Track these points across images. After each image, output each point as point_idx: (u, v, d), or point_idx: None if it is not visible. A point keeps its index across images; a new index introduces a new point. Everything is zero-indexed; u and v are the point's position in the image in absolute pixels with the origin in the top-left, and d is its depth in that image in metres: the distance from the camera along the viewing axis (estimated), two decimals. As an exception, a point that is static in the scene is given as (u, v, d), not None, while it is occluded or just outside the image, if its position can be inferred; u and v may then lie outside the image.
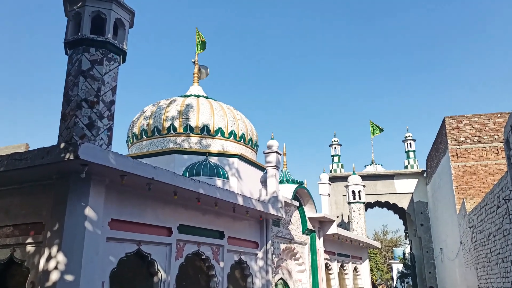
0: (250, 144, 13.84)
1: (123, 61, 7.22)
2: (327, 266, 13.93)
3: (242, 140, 13.49)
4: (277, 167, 10.88)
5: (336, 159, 25.64)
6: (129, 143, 13.75)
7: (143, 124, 13.15)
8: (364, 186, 19.40)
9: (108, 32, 6.76)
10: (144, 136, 13.05)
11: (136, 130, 13.31)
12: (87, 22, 6.69)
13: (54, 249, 5.23)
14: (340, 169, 25.19)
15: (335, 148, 26.04)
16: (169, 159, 12.10)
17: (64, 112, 6.35)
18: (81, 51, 6.56)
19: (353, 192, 19.04)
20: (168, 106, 13.21)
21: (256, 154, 14.50)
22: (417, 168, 24.36)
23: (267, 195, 10.48)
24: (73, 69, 6.54)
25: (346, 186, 19.40)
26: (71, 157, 4.95)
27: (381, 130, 24.92)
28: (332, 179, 23.47)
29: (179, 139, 12.66)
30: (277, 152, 10.90)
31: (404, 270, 40.17)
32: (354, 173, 19.91)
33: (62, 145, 5.06)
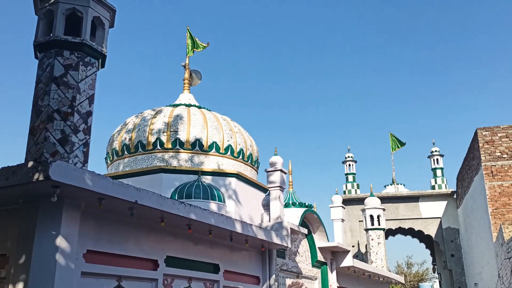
0: (249, 161, 13.91)
1: (102, 66, 7.32)
2: (341, 305, 13.82)
3: (241, 157, 13.54)
4: (281, 188, 10.88)
5: (350, 178, 25.69)
6: (109, 161, 13.82)
7: (125, 138, 13.26)
8: (384, 210, 19.36)
9: (84, 32, 6.84)
10: (126, 153, 13.16)
11: (116, 145, 13.41)
12: (61, 21, 6.77)
13: (20, 286, 5.20)
14: (356, 190, 25.24)
15: (349, 165, 26.12)
16: (155, 179, 12.18)
17: (33, 125, 6.39)
18: (53, 55, 6.64)
19: (371, 217, 19.00)
20: (154, 117, 13.33)
21: (257, 172, 14.49)
22: (446, 188, 24.35)
23: (270, 221, 10.45)
24: (44, 75, 6.61)
25: (363, 210, 19.36)
26: (41, 178, 4.96)
27: (403, 144, 24.98)
28: (347, 202, 23.41)
29: (166, 156, 12.74)
30: (281, 170, 10.92)
31: (433, 310, 39.74)
32: (372, 195, 19.89)
33: (30, 163, 5.08)
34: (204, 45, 15.24)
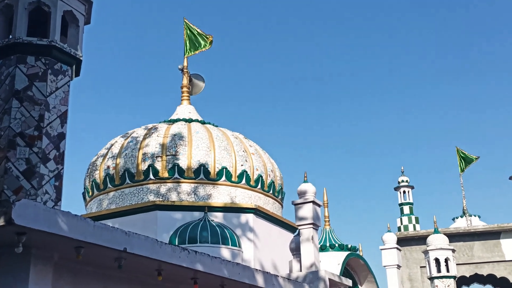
0: (271, 191, 13.87)
1: (77, 74, 7.38)
2: None
3: (259, 186, 13.52)
4: (315, 225, 10.77)
5: (406, 209, 25.48)
6: (87, 197, 13.82)
7: (108, 166, 13.31)
8: (453, 250, 19.06)
9: (53, 32, 6.91)
10: (109, 185, 13.19)
11: (97, 176, 13.45)
12: (23, 18, 6.87)
13: None
14: (414, 226, 25.01)
15: (404, 192, 25.94)
16: (149, 219, 12.19)
17: (-11, 154, 6.44)
18: (14, 62, 6.71)
19: (437, 260, 18.69)
20: (145, 138, 13.40)
21: (282, 206, 14.47)
22: (538, 219, 23.99)
23: (301, 270, 10.35)
24: (2, 89, 6.68)
25: (425, 252, 19.09)
26: (1, 222, 5.00)
27: (475, 158, 24.65)
28: (403, 242, 23.08)
29: (163, 188, 12.78)
30: (313, 202, 10.82)
31: None
32: (436, 231, 19.62)
33: (-13, 204, 5.26)
34: (207, 36, 15.33)
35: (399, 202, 25.92)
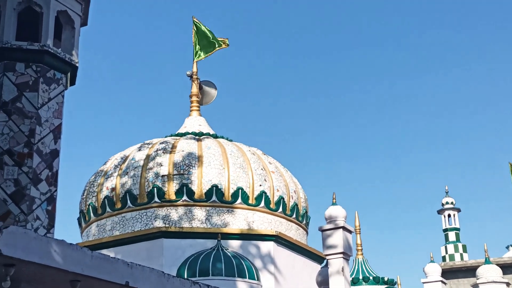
0: (294, 216, 13.83)
1: (72, 82, 7.47)
2: None
3: (281, 209, 13.48)
4: (345, 255, 10.72)
5: (452, 236, 25.37)
6: (84, 223, 13.85)
7: (107, 188, 13.33)
8: (508, 284, 18.85)
9: (46, 35, 6.96)
10: (109, 209, 13.24)
11: (95, 199, 13.48)
12: (11, 20, 6.94)
13: None
14: (462, 255, 24.88)
15: (449, 216, 25.85)
16: (154, 248, 12.23)
17: (-27, 174, 6.43)
18: (1, 70, 6.77)
19: (489, 296, 18.47)
20: (149, 154, 13.44)
21: (307, 232, 14.45)
22: None
23: (330, 307, 10.28)
24: (-13, 101, 6.68)
25: (475, 286, 18.89)
26: (-13, 253, 4.95)
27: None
28: (449, 274, 22.88)
29: (170, 213, 12.82)
30: (344, 228, 10.79)
31: None
32: (488, 261, 19.41)
33: (-29, 232, 4.99)
34: (223, 41, 15.41)
35: (444, 227, 25.83)
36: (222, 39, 15.60)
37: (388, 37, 56.95)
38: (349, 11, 56.21)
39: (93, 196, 13.57)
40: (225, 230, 12.60)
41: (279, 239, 12.74)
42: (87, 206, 13.66)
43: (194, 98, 15.51)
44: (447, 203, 26.22)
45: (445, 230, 25.80)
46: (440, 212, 26.25)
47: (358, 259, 13.26)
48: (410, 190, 61.25)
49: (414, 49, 55.80)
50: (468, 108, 58.44)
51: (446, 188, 26.68)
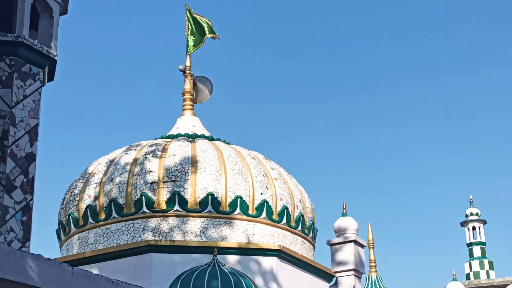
0: (300, 228, 13.70)
1: (51, 78, 7.51)
2: None
3: (285, 220, 13.37)
4: (357, 272, 11.09)
5: (477, 251, 25.38)
6: (63, 235, 13.75)
7: (90, 196, 13.26)
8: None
9: (21, 24, 6.98)
10: (91, 221, 13.13)
11: (75, 208, 13.41)
12: (-19, 7, 7.02)
13: None
14: (487, 272, 24.87)
15: (473, 228, 25.85)
16: (142, 264, 12.18)
17: None
18: (-31, 63, 6.79)
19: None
20: (137, 158, 13.40)
21: (314, 246, 14.07)
22: None
23: (340, 332, 10.41)
24: (-46, 98, 6.73)
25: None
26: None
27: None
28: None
29: (160, 224, 12.73)
30: (355, 241, 11.13)
31: None
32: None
33: None
34: (213, 35, 15.55)
35: (468, 241, 25.95)
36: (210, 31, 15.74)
37: (411, 36, 56.64)
38: (362, 4, 55.99)
39: (73, 206, 13.51)
40: (222, 244, 12.53)
41: (283, 254, 12.64)
42: (67, 217, 13.60)
43: (187, 96, 15.44)
44: (471, 214, 26.24)
45: (469, 244, 25.82)
46: (464, 224, 26.33)
47: (371, 276, 13.03)
48: (430, 200, 59.98)
49: (439, 49, 55.55)
50: (494, 111, 57.97)
51: (470, 197, 26.77)
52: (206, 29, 15.53)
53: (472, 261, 25.34)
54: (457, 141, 57.34)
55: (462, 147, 57.85)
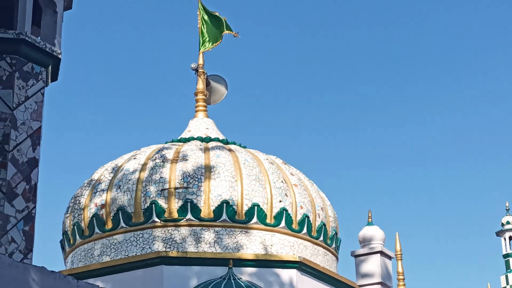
0: (322, 238, 13.69)
1: (54, 78, 7.39)
2: None
3: (306, 230, 13.34)
4: (384, 285, 11.00)
5: (514, 262, 25.66)
6: (68, 246, 13.81)
7: (96, 204, 13.25)
8: None
9: (22, 21, 6.94)
10: (98, 230, 13.15)
11: (81, 217, 13.44)
12: (-20, 2, 7.04)
13: None
14: (527, 285, 25.31)
15: (510, 238, 25.93)
16: (152, 277, 12.15)
17: None
18: (-32, 63, 6.75)
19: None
20: (146, 164, 13.44)
21: (337, 258, 13.99)
22: None
23: None
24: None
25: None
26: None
27: None
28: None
29: (171, 234, 12.75)
30: (381, 252, 11.09)
31: None
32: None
33: None
34: (231, 32, 15.63)
35: (504, 252, 26.00)
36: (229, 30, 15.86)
37: (436, 35, 55.95)
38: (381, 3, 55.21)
39: (79, 215, 13.56)
40: (238, 255, 12.50)
41: (303, 266, 12.56)
42: (72, 227, 13.64)
43: (200, 96, 15.40)
44: (507, 222, 26.22)
45: (506, 255, 25.89)
46: (500, 234, 26.35)
47: (401, 289, 13.46)
48: (462, 208, 58.70)
49: (474, 47, 54.82)
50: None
51: (507, 204, 26.63)
52: (223, 25, 15.61)
53: (508, 274, 25.40)
54: (492, 146, 56.31)
55: (497, 152, 56.81)
